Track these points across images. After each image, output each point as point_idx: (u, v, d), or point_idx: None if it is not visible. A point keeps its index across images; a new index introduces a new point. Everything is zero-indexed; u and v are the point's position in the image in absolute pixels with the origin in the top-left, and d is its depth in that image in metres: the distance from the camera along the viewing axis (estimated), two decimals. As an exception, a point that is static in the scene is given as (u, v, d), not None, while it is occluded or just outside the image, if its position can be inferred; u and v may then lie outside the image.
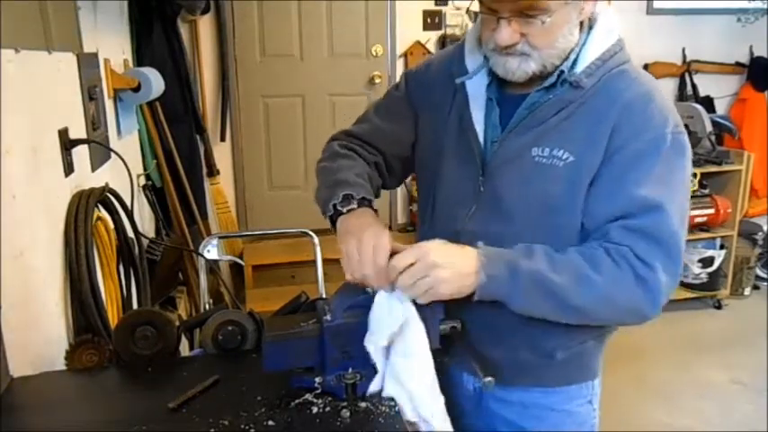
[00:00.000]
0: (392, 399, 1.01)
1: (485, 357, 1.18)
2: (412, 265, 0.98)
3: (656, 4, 4.08)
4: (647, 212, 1.05)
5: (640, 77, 1.12)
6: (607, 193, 1.08)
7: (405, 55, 3.79)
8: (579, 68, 1.08)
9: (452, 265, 1.00)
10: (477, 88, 1.17)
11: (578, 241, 1.11)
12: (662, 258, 1.04)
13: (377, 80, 3.77)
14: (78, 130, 1.84)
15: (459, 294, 1.02)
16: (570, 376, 1.24)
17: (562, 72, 1.08)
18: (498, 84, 1.16)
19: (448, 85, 1.21)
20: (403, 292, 1.00)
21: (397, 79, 1.38)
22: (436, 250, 1.01)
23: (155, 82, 2.59)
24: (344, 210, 1.11)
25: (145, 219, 2.89)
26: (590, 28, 1.12)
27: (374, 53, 3.76)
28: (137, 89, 2.52)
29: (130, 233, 1.93)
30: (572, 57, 1.09)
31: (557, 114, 1.10)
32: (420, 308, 1.04)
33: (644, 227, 1.05)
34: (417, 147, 1.30)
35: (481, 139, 1.16)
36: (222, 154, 3.68)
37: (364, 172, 1.21)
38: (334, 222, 1.12)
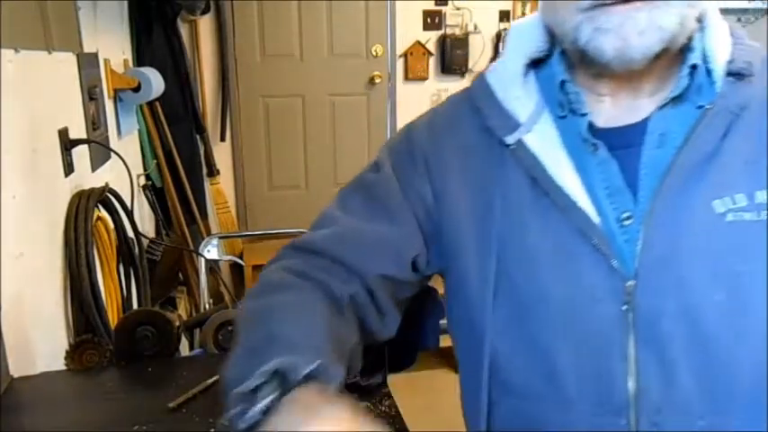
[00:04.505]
0: (392, 398, 1.01)
1: None
2: None
3: (656, 4, 4.07)
4: None
5: None
6: None
7: (405, 55, 3.79)
8: (715, 61, 0.68)
9: None
10: (545, 138, 0.72)
11: None
12: None
13: (377, 80, 3.76)
14: (78, 130, 1.84)
15: None
16: None
17: (695, 66, 0.68)
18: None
19: (479, 151, 0.76)
20: None
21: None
22: None
23: (155, 82, 2.59)
24: (270, 398, 0.54)
25: (145, 219, 2.89)
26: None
27: (374, 53, 3.76)
28: (137, 89, 2.52)
29: (130, 233, 1.93)
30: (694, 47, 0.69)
31: (728, 133, 0.66)
32: (420, 304, 1.04)
33: None
34: (451, 265, 0.78)
35: (596, 219, 0.68)
36: (222, 154, 3.68)
37: (323, 321, 0.66)
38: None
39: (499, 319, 0.72)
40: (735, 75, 0.67)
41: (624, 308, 0.66)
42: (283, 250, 0.77)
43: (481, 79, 0.80)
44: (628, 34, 0.62)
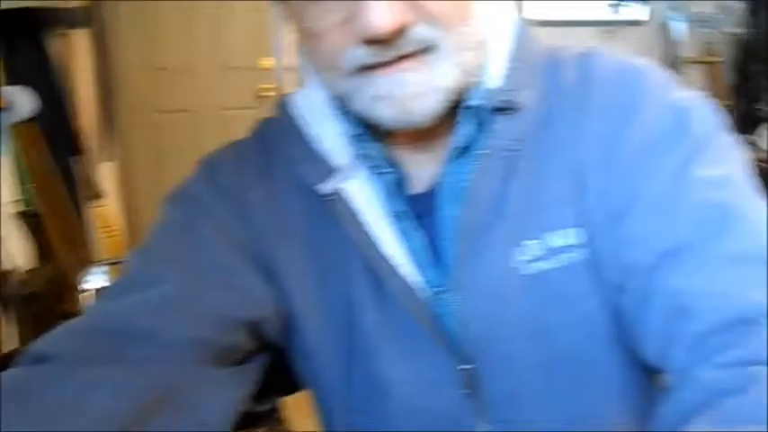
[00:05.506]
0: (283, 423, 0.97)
1: None
2: None
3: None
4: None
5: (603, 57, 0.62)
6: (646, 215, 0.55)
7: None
8: (491, 83, 0.59)
9: None
10: (368, 190, 0.61)
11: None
12: None
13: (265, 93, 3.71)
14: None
15: None
16: None
17: (474, 106, 0.58)
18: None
19: (301, 198, 0.63)
20: None
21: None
22: None
23: (24, 102, 2.45)
24: None
25: (21, 249, 2.70)
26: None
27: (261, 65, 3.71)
28: (5, 110, 2.36)
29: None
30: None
31: (512, 174, 0.58)
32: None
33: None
34: (293, 337, 0.65)
35: (424, 295, 0.60)
36: (108, 175, 3.51)
37: None
38: None
39: (355, 396, 0.63)
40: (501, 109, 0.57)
41: (466, 392, 0.59)
42: (31, 353, 0.54)
43: (284, 107, 0.66)
44: (401, 99, 0.53)
